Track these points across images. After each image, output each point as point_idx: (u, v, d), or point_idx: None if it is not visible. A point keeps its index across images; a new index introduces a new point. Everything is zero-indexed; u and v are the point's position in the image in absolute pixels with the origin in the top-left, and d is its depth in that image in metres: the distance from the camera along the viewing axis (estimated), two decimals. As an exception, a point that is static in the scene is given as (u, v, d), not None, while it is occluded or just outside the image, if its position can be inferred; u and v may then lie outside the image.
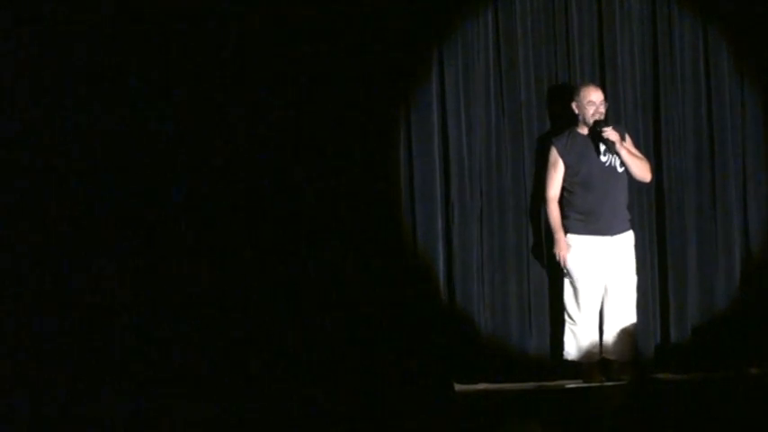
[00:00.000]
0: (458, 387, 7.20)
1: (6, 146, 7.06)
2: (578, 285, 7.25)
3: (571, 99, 7.35)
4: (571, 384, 7.24)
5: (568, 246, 7.24)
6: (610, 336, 7.30)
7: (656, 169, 7.64)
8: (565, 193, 7.31)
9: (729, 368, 7.30)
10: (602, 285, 7.26)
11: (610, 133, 7.18)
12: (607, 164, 7.26)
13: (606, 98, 7.34)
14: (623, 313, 7.28)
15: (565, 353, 7.34)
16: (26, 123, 7.09)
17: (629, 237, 7.32)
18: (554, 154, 7.32)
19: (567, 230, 7.31)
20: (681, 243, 7.66)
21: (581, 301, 7.25)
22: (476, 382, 7.38)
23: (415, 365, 7.19)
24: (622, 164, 7.25)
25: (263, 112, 7.33)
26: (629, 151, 7.28)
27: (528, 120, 7.62)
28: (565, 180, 7.30)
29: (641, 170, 7.30)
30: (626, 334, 7.29)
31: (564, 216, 7.32)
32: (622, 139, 7.27)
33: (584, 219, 7.25)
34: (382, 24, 7.49)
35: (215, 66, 7.27)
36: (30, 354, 6.90)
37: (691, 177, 7.70)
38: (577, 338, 7.29)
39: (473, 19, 7.63)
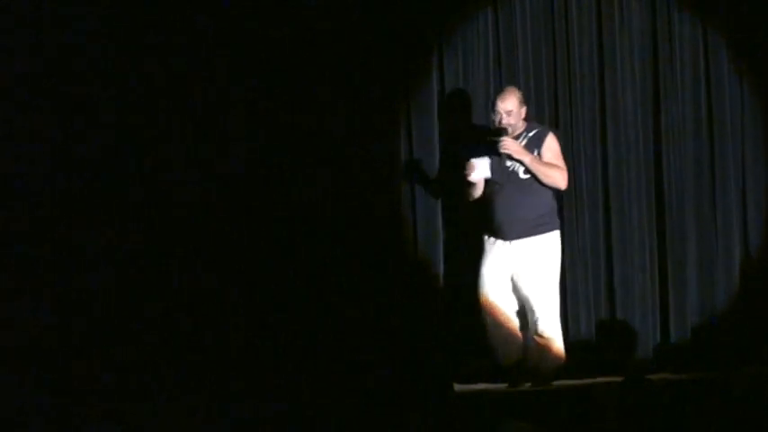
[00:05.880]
0: (457, 387, 7.19)
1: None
2: (483, 289, 7.04)
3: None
4: (566, 384, 7.19)
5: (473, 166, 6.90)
6: (532, 344, 7.07)
7: (656, 169, 7.66)
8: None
9: (729, 368, 7.30)
10: (506, 288, 7.02)
11: (506, 144, 6.87)
12: (510, 169, 6.96)
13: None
14: (541, 323, 6.99)
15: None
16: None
17: (531, 242, 6.97)
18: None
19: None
20: (681, 243, 7.66)
21: (485, 302, 7.04)
22: (475, 383, 7.37)
23: (415, 365, 7.20)
24: (527, 170, 6.96)
25: (262, 111, 7.33)
26: (535, 160, 6.92)
27: (526, 119, 7.63)
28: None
29: (551, 179, 6.96)
30: (544, 344, 7.03)
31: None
32: (535, 148, 6.94)
33: (486, 220, 7.03)
34: (382, 24, 7.50)
35: (213, 65, 7.27)
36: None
37: (691, 177, 7.71)
38: (491, 339, 7.10)
39: (473, 19, 7.64)
